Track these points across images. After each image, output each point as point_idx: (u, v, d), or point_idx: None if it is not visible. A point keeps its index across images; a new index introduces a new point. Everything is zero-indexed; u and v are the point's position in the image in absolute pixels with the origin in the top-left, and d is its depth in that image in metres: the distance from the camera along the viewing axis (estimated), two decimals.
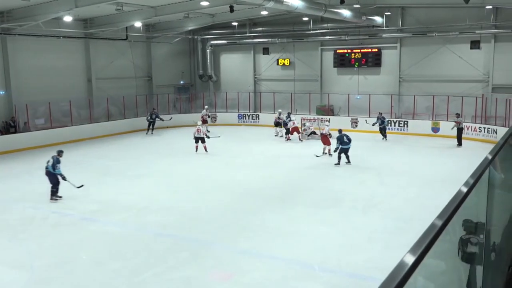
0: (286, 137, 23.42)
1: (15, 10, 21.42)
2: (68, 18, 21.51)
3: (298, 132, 23.28)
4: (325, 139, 19.25)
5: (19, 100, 22.95)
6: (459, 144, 21.21)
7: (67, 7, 19.67)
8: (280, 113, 24.99)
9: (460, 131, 21.29)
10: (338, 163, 17.31)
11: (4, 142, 21.10)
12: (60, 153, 13.57)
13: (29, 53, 23.65)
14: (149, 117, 26.21)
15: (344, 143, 17.17)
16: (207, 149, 19.92)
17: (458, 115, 21.66)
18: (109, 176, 16.39)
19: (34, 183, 15.51)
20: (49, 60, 24.68)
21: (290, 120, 23.58)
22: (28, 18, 21.15)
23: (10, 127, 22.56)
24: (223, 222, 11.18)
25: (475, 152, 18.54)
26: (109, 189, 14.63)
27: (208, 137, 20.13)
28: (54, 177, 13.22)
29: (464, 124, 21.75)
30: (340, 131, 17.71)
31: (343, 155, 17.26)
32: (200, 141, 19.97)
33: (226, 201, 13.08)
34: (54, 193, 13.28)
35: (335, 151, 17.56)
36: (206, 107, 28.13)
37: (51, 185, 13.24)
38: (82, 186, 13.67)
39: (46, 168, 13.32)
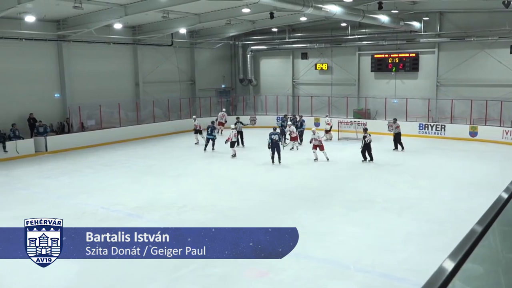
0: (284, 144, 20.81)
1: (70, 18, 22.19)
2: (118, 26, 22.10)
3: (296, 140, 21.04)
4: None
5: (72, 103, 23.71)
6: (396, 148, 20.50)
7: (117, 15, 20.22)
8: (195, 119, 23.16)
9: (398, 135, 20.54)
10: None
11: (58, 141, 21.80)
12: (275, 129, 19.05)
13: (82, 58, 24.39)
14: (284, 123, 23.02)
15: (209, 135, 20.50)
16: (214, 148, 20.63)
17: (395, 120, 21.03)
18: (152, 175, 16.63)
19: (85, 180, 15.98)
20: (100, 65, 25.40)
21: (288, 125, 21.53)
22: (82, 25, 21.88)
23: (65, 127, 23.39)
24: (258, 221, 11.10)
25: None
26: (153, 187, 14.82)
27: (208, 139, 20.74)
28: (279, 147, 17.86)
29: (401, 128, 20.85)
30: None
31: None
32: (234, 144, 19.60)
33: (261, 200, 13.03)
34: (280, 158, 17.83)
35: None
36: (224, 109, 27.98)
37: (277, 154, 17.75)
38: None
39: (273, 140, 17.72)
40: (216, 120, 25.99)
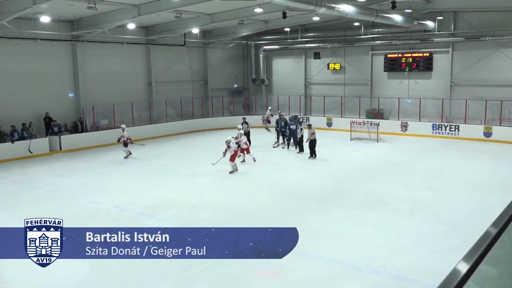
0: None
1: (84, 18, 22.40)
2: (131, 26, 22.24)
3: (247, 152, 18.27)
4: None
5: (86, 102, 23.93)
6: (312, 155, 18.79)
7: (130, 15, 20.37)
8: (124, 129, 19.69)
9: (313, 142, 18.76)
10: None
11: (72, 140, 22.01)
12: (292, 119, 21.58)
13: (96, 58, 24.58)
14: None
15: None
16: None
17: (310, 126, 19.21)
18: (164, 174, 16.73)
19: (98, 180, 16.11)
20: (113, 65, 25.58)
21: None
22: (96, 26, 22.07)
23: (79, 126, 23.55)
24: (268, 221, 11.03)
25: None
26: (165, 186, 14.92)
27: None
28: (296, 136, 20.04)
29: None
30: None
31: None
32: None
33: (272, 200, 13.02)
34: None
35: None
36: (270, 108, 28.12)
37: (294, 142, 20.37)
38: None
39: (291, 130, 20.31)
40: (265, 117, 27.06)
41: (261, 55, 32.37)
